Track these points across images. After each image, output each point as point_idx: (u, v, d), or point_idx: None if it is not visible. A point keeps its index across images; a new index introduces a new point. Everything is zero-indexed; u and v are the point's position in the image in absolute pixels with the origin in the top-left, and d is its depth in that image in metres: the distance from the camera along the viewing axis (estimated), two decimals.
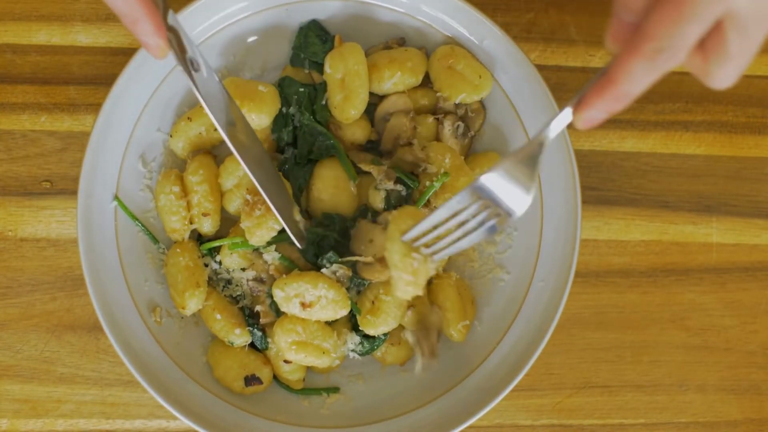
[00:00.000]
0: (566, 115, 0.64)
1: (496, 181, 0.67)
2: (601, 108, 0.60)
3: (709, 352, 0.96)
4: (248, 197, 0.83)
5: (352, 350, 0.87)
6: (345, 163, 0.87)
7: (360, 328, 0.85)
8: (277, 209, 0.80)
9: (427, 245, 0.72)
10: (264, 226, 0.82)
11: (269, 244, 0.85)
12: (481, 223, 0.69)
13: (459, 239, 0.71)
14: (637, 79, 0.56)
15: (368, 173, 0.88)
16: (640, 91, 0.58)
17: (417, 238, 0.72)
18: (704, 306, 0.97)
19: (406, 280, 0.72)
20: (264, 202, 0.81)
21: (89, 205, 0.85)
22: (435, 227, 0.71)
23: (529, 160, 0.66)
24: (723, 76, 0.59)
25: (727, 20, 0.55)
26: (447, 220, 0.70)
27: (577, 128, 0.62)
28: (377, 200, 0.86)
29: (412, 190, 0.86)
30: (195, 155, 0.89)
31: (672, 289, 0.97)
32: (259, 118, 0.86)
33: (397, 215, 0.74)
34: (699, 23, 0.53)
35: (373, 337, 0.87)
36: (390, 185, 0.86)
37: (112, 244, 0.86)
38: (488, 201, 0.68)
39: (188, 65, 0.71)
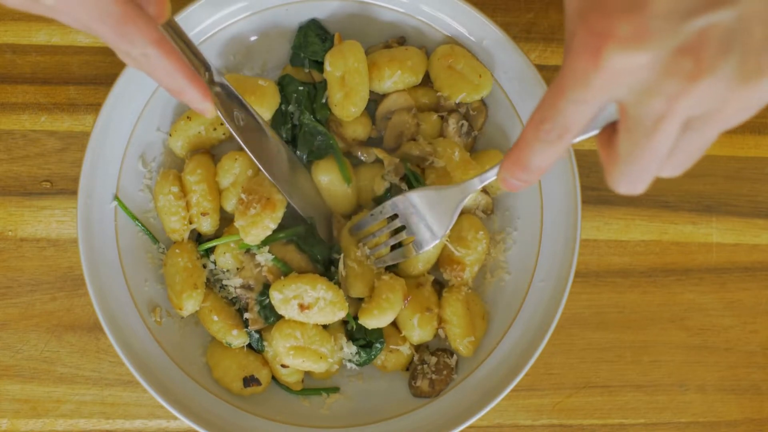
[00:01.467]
0: (494, 172, 0.72)
1: (425, 199, 0.80)
2: (512, 174, 0.59)
3: (709, 352, 0.96)
4: (243, 196, 0.83)
5: (350, 360, 0.87)
6: (341, 163, 0.87)
7: (359, 320, 0.85)
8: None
9: (370, 247, 0.85)
10: (260, 224, 0.82)
11: (264, 243, 0.84)
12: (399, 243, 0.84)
13: (392, 249, 0.84)
14: (533, 150, 0.55)
15: (369, 166, 0.88)
16: (543, 164, 0.56)
17: (361, 235, 0.85)
18: (704, 306, 0.97)
19: (354, 270, 0.84)
20: (259, 200, 0.81)
21: (89, 205, 0.85)
22: (372, 229, 0.84)
23: (450, 201, 0.79)
24: (617, 179, 0.56)
25: (621, 116, 0.52)
26: (380, 225, 0.84)
27: (502, 187, 0.62)
28: (381, 189, 0.87)
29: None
30: (193, 155, 0.89)
31: (672, 289, 0.97)
32: (261, 112, 0.86)
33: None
34: (578, 104, 0.50)
35: (370, 347, 0.86)
36: (395, 180, 0.86)
37: (112, 244, 0.86)
38: (412, 218, 0.81)
39: (234, 121, 0.80)
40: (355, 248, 0.85)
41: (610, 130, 0.56)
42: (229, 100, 0.81)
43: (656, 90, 0.48)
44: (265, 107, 0.86)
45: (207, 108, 0.69)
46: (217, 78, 0.80)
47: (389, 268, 0.88)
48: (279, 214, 0.83)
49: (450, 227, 0.80)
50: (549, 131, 0.53)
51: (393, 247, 0.86)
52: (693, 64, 0.46)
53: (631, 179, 0.55)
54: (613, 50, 0.47)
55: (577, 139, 0.60)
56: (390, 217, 0.84)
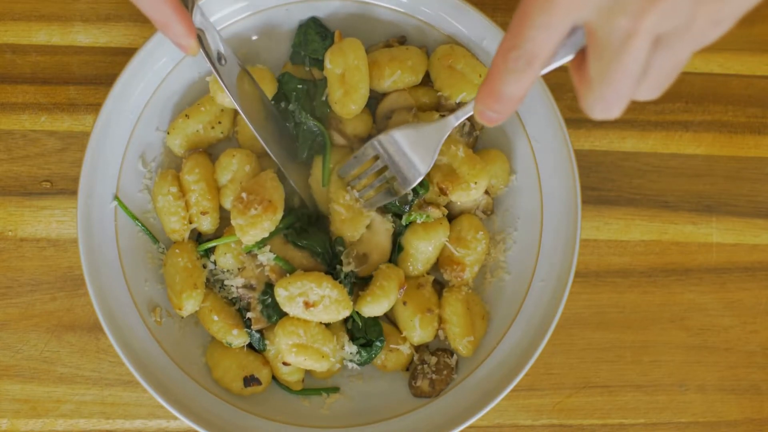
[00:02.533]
0: (469, 108, 0.74)
1: (406, 138, 0.81)
2: (487, 105, 0.58)
3: (709, 352, 0.96)
4: (244, 195, 0.82)
5: (351, 360, 0.87)
6: (326, 162, 0.88)
7: (356, 310, 0.85)
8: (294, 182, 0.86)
9: (358, 189, 0.85)
10: (258, 226, 0.81)
11: (263, 243, 0.84)
12: (387, 182, 0.84)
13: (378, 189, 0.85)
14: (505, 79, 0.55)
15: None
16: (516, 92, 0.55)
17: (350, 177, 0.86)
18: (704, 306, 0.97)
19: (340, 215, 0.84)
20: (261, 202, 0.81)
21: (89, 205, 0.85)
22: (360, 170, 0.85)
23: (432, 137, 0.80)
24: (590, 103, 0.55)
25: (588, 39, 0.52)
26: (364, 166, 0.84)
27: (479, 122, 0.61)
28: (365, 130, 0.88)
29: (419, 196, 0.87)
30: (190, 154, 0.89)
31: (672, 289, 0.97)
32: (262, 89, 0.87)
33: (337, 182, 0.87)
34: (543, 29, 0.50)
35: (370, 346, 0.86)
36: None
37: (112, 244, 0.86)
38: (395, 156, 0.82)
39: (215, 61, 0.77)
40: (344, 192, 0.85)
41: (582, 55, 0.55)
42: (213, 45, 0.79)
43: (621, 8, 0.48)
44: (265, 87, 0.87)
45: (190, 44, 0.69)
46: (198, 19, 0.76)
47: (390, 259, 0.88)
48: (278, 216, 0.83)
49: (431, 164, 0.81)
50: (517, 59, 0.53)
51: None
52: None
53: (605, 103, 0.54)
54: None
55: (551, 67, 0.59)
56: (374, 158, 0.84)
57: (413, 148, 0.82)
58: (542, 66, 0.54)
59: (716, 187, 0.98)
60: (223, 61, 0.79)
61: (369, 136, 0.91)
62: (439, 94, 0.90)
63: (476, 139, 0.92)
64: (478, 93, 0.58)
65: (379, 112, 0.90)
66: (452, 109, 0.90)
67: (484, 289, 0.91)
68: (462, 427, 0.83)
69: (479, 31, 0.88)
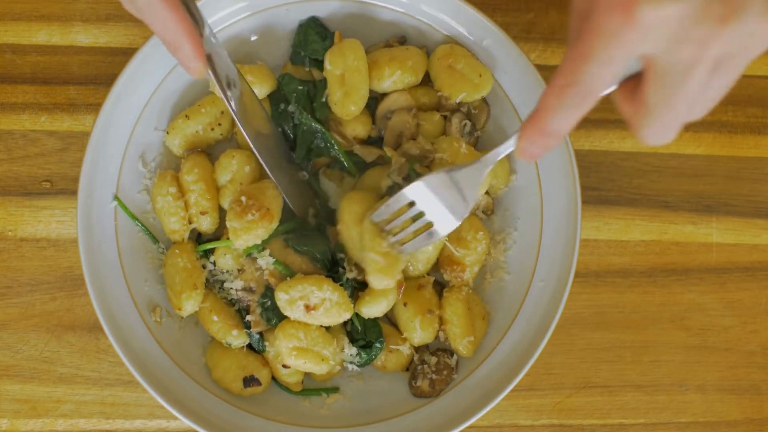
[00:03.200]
0: (511, 144, 0.69)
1: (443, 183, 0.76)
2: (533, 141, 0.59)
3: (709, 352, 0.96)
4: (243, 198, 0.82)
5: (351, 362, 0.87)
6: (347, 160, 0.88)
7: (356, 311, 0.85)
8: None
9: (393, 233, 0.80)
10: (252, 231, 0.81)
11: (262, 247, 0.84)
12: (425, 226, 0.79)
13: (417, 233, 0.79)
14: (556, 115, 0.55)
15: (369, 168, 0.89)
16: (565, 128, 0.56)
17: (384, 223, 0.80)
18: (704, 306, 0.97)
19: (378, 264, 0.79)
20: (259, 209, 0.81)
21: (89, 205, 0.85)
22: (394, 215, 0.79)
23: (468, 180, 0.75)
24: (647, 131, 0.56)
25: (647, 68, 0.52)
26: (400, 211, 0.79)
27: (520, 158, 0.61)
28: (383, 187, 0.87)
29: None
30: (189, 154, 0.89)
31: (672, 289, 0.97)
32: (261, 86, 0.87)
33: (350, 198, 0.83)
34: (605, 65, 0.51)
35: (370, 347, 0.86)
36: (399, 179, 0.86)
37: (112, 244, 0.86)
38: (430, 203, 0.77)
39: (224, 87, 0.76)
40: (381, 239, 0.80)
41: (632, 84, 0.56)
42: (223, 69, 0.77)
43: (687, 37, 0.49)
44: (264, 84, 0.87)
45: (197, 67, 0.69)
46: (213, 41, 0.74)
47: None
48: (274, 225, 0.83)
49: (471, 205, 0.77)
50: (575, 94, 0.53)
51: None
52: (723, 6, 0.47)
53: (662, 129, 0.55)
54: (645, 4, 0.47)
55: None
56: (409, 204, 0.80)
57: (451, 193, 0.77)
58: (595, 100, 0.54)
59: (716, 187, 0.98)
60: (233, 87, 0.78)
61: (369, 137, 0.91)
62: (439, 94, 0.90)
63: (477, 139, 0.92)
64: (524, 128, 0.58)
65: (378, 112, 0.90)
66: (452, 109, 0.90)
67: (483, 289, 0.91)
68: (462, 427, 0.83)
69: (479, 31, 0.88)
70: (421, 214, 0.79)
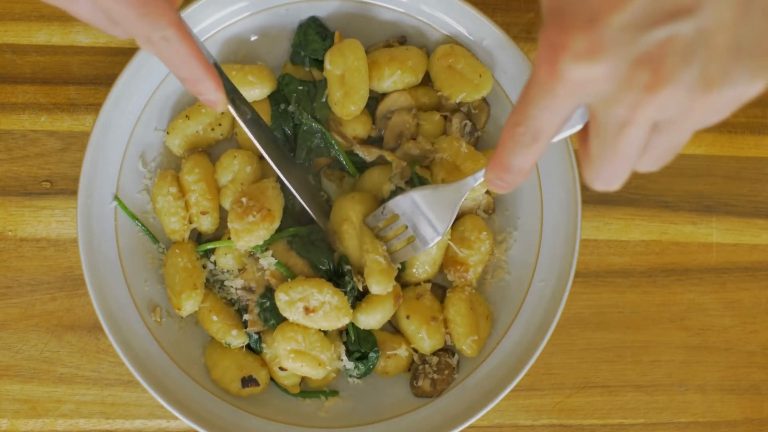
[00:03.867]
0: (481, 175, 0.76)
1: (424, 199, 0.81)
2: (497, 176, 0.59)
3: (709, 352, 0.96)
4: (244, 200, 0.82)
5: (350, 375, 0.87)
6: (347, 161, 0.88)
7: (356, 313, 0.85)
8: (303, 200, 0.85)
9: (386, 240, 0.84)
10: (254, 233, 0.81)
11: (265, 245, 0.84)
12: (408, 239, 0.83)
13: (402, 245, 0.84)
14: (512, 153, 0.56)
15: (370, 167, 0.89)
16: (524, 166, 0.57)
17: (377, 229, 0.85)
18: (704, 306, 0.97)
19: (380, 265, 0.81)
20: (260, 210, 0.81)
21: (89, 205, 0.85)
22: (386, 223, 0.84)
23: (448, 199, 0.80)
24: (592, 176, 0.56)
25: (590, 118, 0.53)
26: (387, 221, 0.84)
27: (490, 189, 0.62)
28: (387, 192, 0.87)
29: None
30: (189, 154, 0.89)
31: (672, 289, 0.97)
32: (259, 89, 0.87)
33: (353, 198, 0.85)
34: (546, 111, 0.51)
35: (366, 358, 0.86)
36: (401, 183, 0.86)
37: (112, 244, 0.86)
38: (414, 216, 0.82)
39: (248, 122, 0.79)
40: (378, 243, 0.83)
41: (587, 128, 0.57)
42: (231, 93, 0.80)
43: (617, 99, 0.49)
44: (265, 84, 0.87)
45: (219, 99, 0.68)
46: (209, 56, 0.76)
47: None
48: (275, 226, 0.83)
49: (449, 224, 0.81)
50: (523, 134, 0.54)
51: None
52: (651, 75, 0.47)
53: (605, 178, 0.56)
54: (569, 62, 0.47)
55: (560, 137, 0.61)
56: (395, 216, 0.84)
57: (431, 208, 0.81)
58: (549, 140, 0.55)
59: (716, 187, 0.98)
60: (239, 102, 0.79)
61: (369, 137, 0.91)
62: (439, 94, 0.90)
63: (478, 139, 0.92)
64: (489, 161, 0.59)
65: (378, 112, 0.90)
66: (452, 109, 0.90)
67: (484, 289, 0.91)
68: (462, 427, 0.83)
69: (479, 31, 0.88)
70: (403, 228, 0.83)
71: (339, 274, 0.85)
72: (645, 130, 0.51)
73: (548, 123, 0.52)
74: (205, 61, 0.64)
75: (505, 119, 0.90)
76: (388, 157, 0.87)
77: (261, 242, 0.82)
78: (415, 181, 0.86)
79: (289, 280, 0.83)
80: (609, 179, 0.56)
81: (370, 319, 0.84)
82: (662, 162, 0.56)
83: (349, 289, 0.84)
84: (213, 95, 0.67)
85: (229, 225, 0.82)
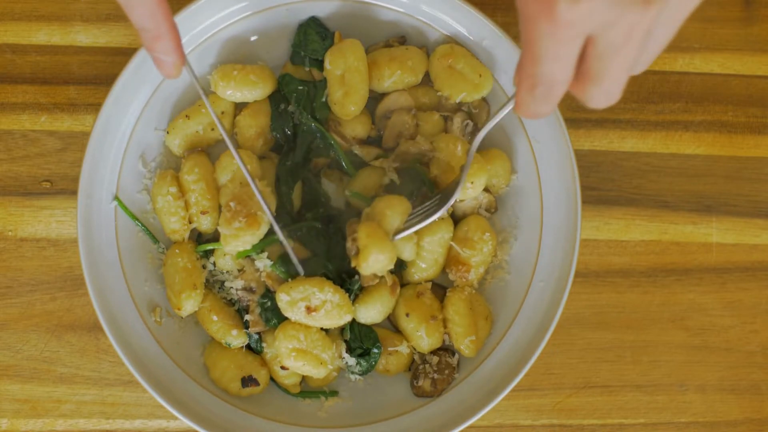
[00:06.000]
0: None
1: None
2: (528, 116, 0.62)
3: (709, 352, 0.96)
4: (232, 204, 0.82)
5: (352, 372, 0.87)
6: (346, 161, 0.88)
7: (356, 310, 0.85)
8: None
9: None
10: (240, 238, 0.81)
11: (261, 249, 0.84)
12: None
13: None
14: (534, 106, 0.59)
15: (370, 165, 0.89)
16: (548, 110, 0.60)
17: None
18: (704, 306, 0.97)
19: (377, 231, 0.79)
20: (246, 215, 0.81)
21: (89, 205, 0.85)
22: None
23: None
24: (593, 95, 0.59)
25: (587, 45, 0.55)
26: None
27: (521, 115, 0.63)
28: (384, 184, 0.87)
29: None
30: (189, 154, 0.89)
31: (672, 289, 0.97)
32: (259, 87, 0.87)
33: (391, 203, 0.81)
34: (555, 61, 0.54)
35: (368, 354, 0.86)
36: (394, 177, 0.86)
37: (112, 244, 0.86)
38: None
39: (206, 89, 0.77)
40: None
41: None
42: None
43: (616, 21, 0.51)
44: (265, 84, 0.88)
45: (176, 63, 0.64)
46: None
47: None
48: (262, 231, 0.82)
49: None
50: (535, 87, 0.57)
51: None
52: None
53: (607, 91, 0.58)
54: (562, 3, 0.50)
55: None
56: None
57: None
58: (565, 85, 0.57)
59: (716, 187, 0.98)
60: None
61: (368, 137, 0.91)
62: (439, 94, 0.90)
63: None
64: (515, 110, 0.62)
65: (378, 112, 0.90)
66: (452, 110, 0.90)
67: (484, 289, 0.91)
68: (462, 427, 0.83)
69: (479, 31, 0.88)
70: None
71: (350, 273, 0.86)
72: (644, 37, 0.53)
73: (561, 71, 0.55)
74: (171, 18, 0.61)
75: (506, 121, 0.90)
76: (377, 164, 0.87)
77: (249, 246, 0.82)
78: (425, 182, 0.86)
79: (288, 280, 0.83)
80: (611, 91, 0.58)
81: (370, 310, 0.84)
82: (653, 59, 0.59)
83: (355, 287, 0.84)
84: (172, 55, 0.63)
85: (219, 229, 0.82)
